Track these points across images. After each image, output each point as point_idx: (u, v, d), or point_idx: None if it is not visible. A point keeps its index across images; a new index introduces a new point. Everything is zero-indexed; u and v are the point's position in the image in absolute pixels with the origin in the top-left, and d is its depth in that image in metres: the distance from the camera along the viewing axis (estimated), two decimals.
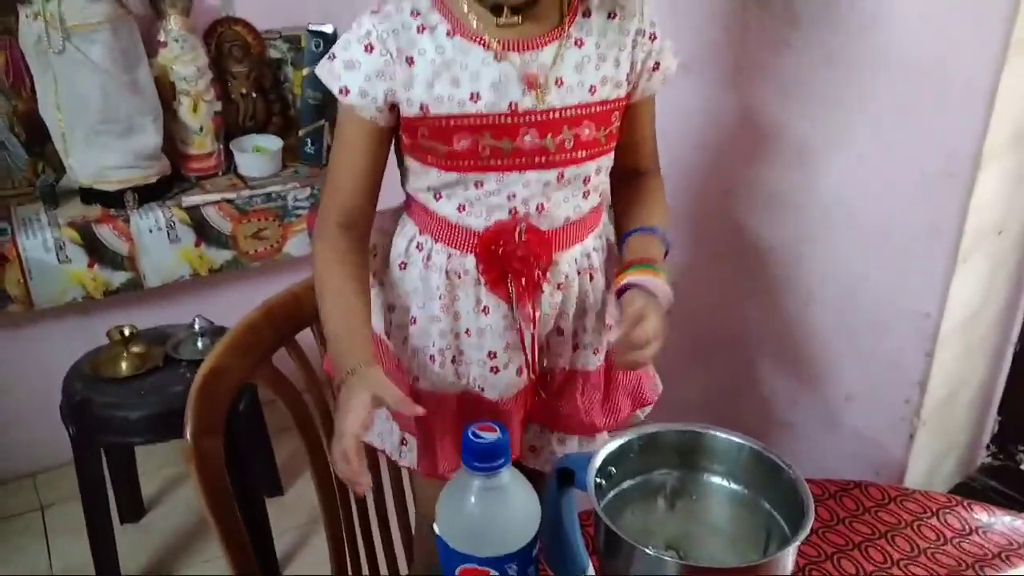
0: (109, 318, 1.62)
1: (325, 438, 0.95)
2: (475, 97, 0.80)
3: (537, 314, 0.88)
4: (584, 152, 0.84)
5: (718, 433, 0.69)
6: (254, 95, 1.87)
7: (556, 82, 0.81)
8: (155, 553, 1.68)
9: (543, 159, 0.83)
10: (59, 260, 1.59)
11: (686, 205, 1.35)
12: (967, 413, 1.22)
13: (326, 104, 1.76)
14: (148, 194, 1.68)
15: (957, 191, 1.00)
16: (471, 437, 0.62)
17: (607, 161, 0.88)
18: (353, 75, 0.81)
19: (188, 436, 0.84)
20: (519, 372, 0.90)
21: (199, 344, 1.55)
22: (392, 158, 0.90)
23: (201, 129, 1.76)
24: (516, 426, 0.93)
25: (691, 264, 1.38)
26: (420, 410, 0.76)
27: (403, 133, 0.85)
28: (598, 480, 0.65)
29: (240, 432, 1.47)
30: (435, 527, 0.63)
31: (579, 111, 0.83)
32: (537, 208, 0.85)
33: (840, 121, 1.10)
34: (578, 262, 0.89)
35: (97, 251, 1.62)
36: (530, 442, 0.97)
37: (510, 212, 0.85)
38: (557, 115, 0.82)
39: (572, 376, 0.93)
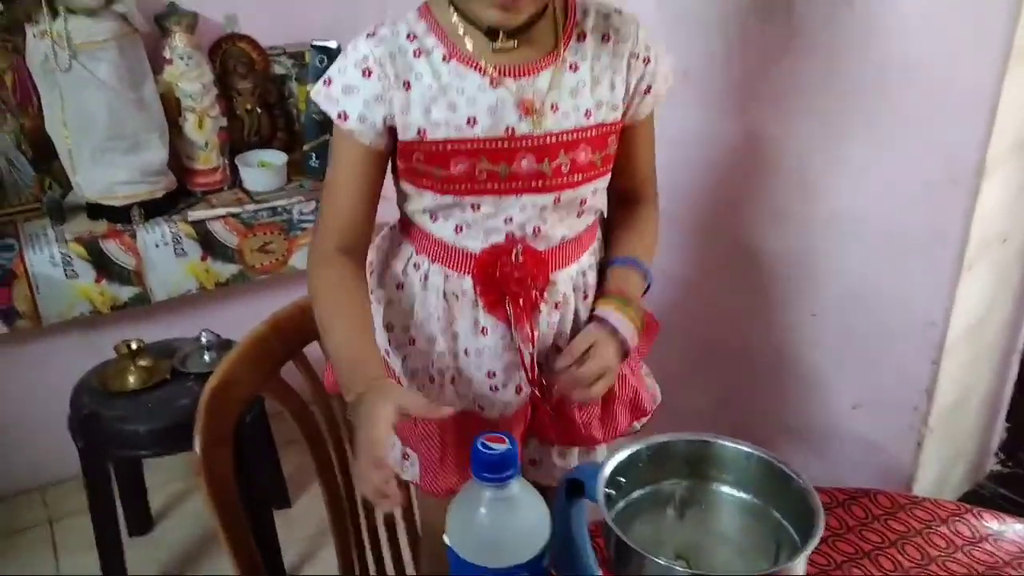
0: (116, 332, 1.63)
1: (334, 450, 0.96)
2: (472, 122, 0.80)
3: (536, 334, 0.88)
4: (580, 176, 0.84)
5: (727, 443, 0.69)
6: (259, 111, 1.89)
7: (552, 107, 0.81)
8: (164, 566, 1.68)
9: (540, 183, 0.83)
10: (66, 275, 1.60)
11: (691, 216, 1.35)
12: (975, 420, 1.22)
13: (330, 119, 1.77)
14: (154, 209, 1.69)
15: (961, 199, 1.00)
16: (480, 448, 0.62)
17: (603, 183, 0.89)
18: (351, 100, 0.81)
19: (197, 448, 0.84)
20: (518, 391, 0.90)
21: (206, 357, 1.55)
22: (388, 176, 0.89)
23: (206, 145, 1.77)
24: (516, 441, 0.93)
25: (697, 274, 1.38)
26: (448, 410, 0.75)
27: (398, 158, 0.84)
28: (607, 490, 0.65)
29: (248, 445, 1.47)
30: (445, 538, 0.63)
31: (575, 135, 0.83)
32: (534, 231, 0.85)
33: (842, 131, 1.11)
34: (574, 280, 0.89)
35: (104, 266, 1.63)
36: (530, 455, 0.97)
37: (507, 236, 0.85)
38: (553, 140, 0.82)
39: None
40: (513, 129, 0.81)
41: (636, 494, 0.69)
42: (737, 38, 1.19)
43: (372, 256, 0.92)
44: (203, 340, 1.56)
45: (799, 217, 1.19)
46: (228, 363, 0.88)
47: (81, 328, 1.75)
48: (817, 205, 1.17)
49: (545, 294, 0.87)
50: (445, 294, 0.88)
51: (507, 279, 0.85)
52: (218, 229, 1.72)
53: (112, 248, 1.63)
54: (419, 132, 0.81)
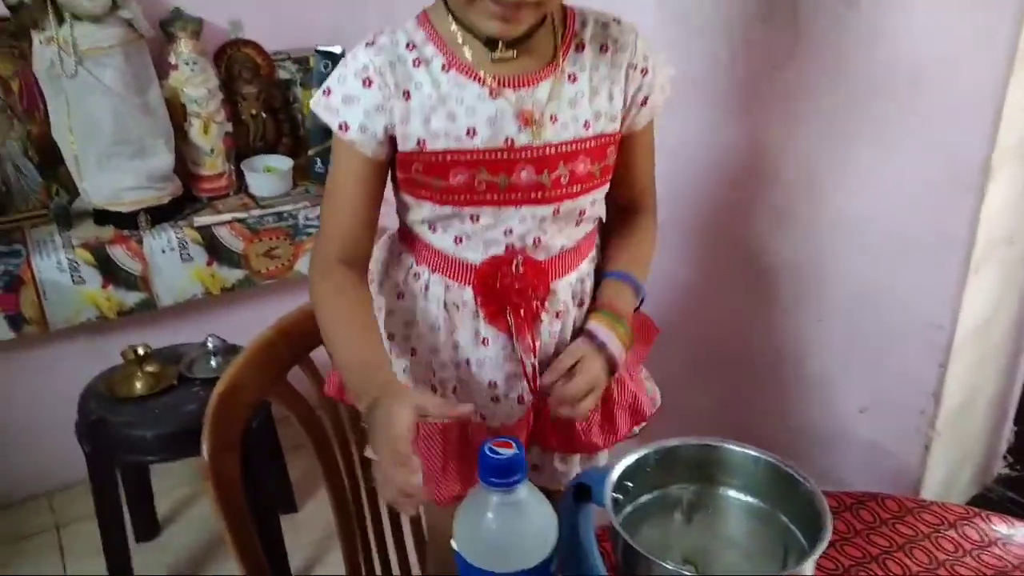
0: (123, 338, 1.64)
1: (340, 454, 0.96)
2: (472, 132, 0.80)
3: (537, 344, 0.87)
4: (580, 187, 0.84)
5: (734, 447, 0.69)
6: (264, 116, 1.89)
7: (551, 118, 0.81)
8: (170, 571, 1.68)
9: (539, 195, 0.82)
10: (73, 281, 1.61)
11: (696, 220, 1.35)
12: (982, 423, 1.21)
13: None
14: (160, 215, 1.70)
15: (967, 202, 1.00)
16: (488, 453, 0.62)
17: (602, 192, 0.88)
18: (352, 110, 0.80)
19: (205, 453, 0.84)
20: (520, 400, 0.90)
21: (213, 362, 1.56)
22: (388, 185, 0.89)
23: (212, 150, 1.78)
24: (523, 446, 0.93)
25: (702, 278, 1.38)
26: (468, 407, 0.72)
27: (397, 168, 0.83)
28: (615, 495, 0.65)
29: (254, 449, 1.47)
30: (453, 543, 0.63)
31: (574, 146, 0.82)
32: (534, 241, 0.85)
33: (848, 133, 1.11)
34: (572, 288, 0.89)
35: (110, 272, 1.64)
36: (532, 461, 0.96)
37: (506, 247, 0.84)
38: (552, 151, 0.81)
39: None
40: (512, 140, 0.80)
41: (644, 498, 0.69)
42: (741, 41, 1.19)
43: (372, 265, 0.91)
44: (209, 345, 1.57)
45: (804, 220, 1.19)
46: (235, 368, 0.89)
47: (88, 334, 1.76)
48: (823, 208, 1.16)
49: (546, 304, 0.87)
50: (446, 304, 0.87)
51: (508, 290, 0.85)
52: (224, 234, 1.72)
53: (119, 254, 1.64)
54: (418, 143, 0.80)
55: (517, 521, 0.62)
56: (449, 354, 0.89)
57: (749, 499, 0.70)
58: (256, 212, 1.76)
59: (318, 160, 1.85)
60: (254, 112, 1.88)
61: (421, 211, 0.85)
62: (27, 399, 1.76)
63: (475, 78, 0.80)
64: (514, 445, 0.62)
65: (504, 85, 0.80)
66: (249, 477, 0.89)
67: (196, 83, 1.73)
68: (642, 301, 0.92)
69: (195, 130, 1.75)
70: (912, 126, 1.04)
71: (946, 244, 1.03)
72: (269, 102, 1.90)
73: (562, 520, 0.65)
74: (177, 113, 1.74)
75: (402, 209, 0.89)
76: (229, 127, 1.81)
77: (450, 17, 0.80)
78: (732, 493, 0.70)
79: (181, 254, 1.69)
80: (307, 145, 1.91)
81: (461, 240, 0.85)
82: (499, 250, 0.85)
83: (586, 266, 0.91)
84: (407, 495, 0.68)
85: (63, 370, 1.70)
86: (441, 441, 0.87)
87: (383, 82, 0.79)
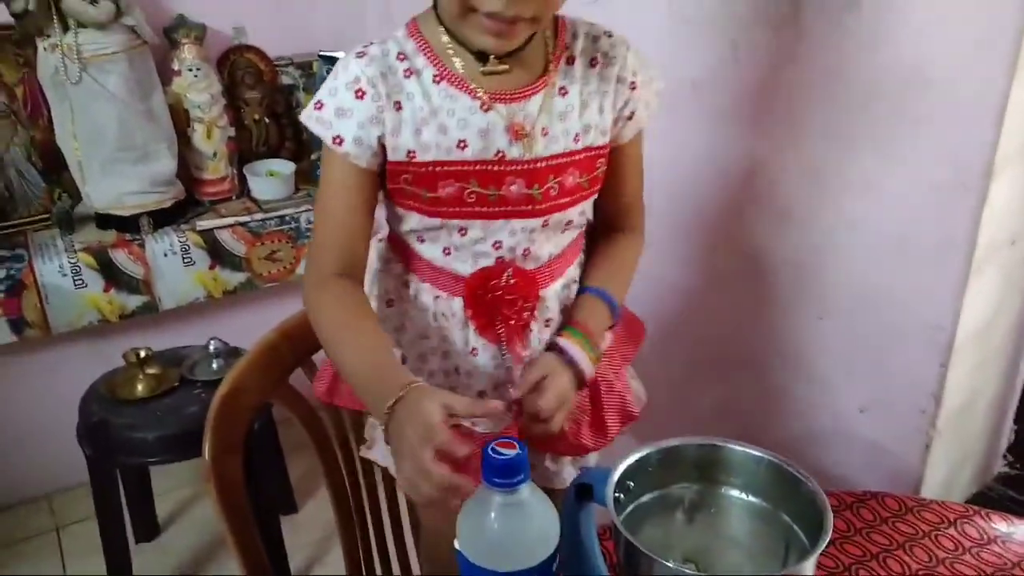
0: (125, 341, 1.65)
1: (341, 455, 0.96)
2: (463, 145, 0.79)
3: (527, 353, 0.87)
4: (568, 199, 0.84)
5: (736, 446, 0.69)
6: (267, 120, 1.90)
7: (542, 131, 0.81)
8: (170, 572, 1.69)
9: (529, 207, 0.82)
10: (75, 285, 1.61)
11: (698, 221, 1.36)
12: (983, 423, 1.21)
13: None
14: (163, 218, 1.71)
15: (969, 203, 1.00)
16: (491, 453, 0.62)
17: (590, 202, 0.88)
18: (346, 123, 0.79)
19: (207, 455, 0.85)
20: (509, 408, 0.89)
21: (214, 365, 1.56)
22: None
23: (215, 154, 1.79)
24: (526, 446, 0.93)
25: (704, 278, 1.38)
26: (496, 404, 0.70)
27: (387, 178, 0.82)
28: (616, 494, 0.65)
29: (256, 451, 1.48)
30: (456, 543, 0.64)
31: (564, 159, 0.82)
32: (523, 253, 0.85)
33: (849, 135, 1.11)
34: (560, 295, 0.89)
35: (113, 275, 1.64)
36: None
37: (496, 260, 0.84)
38: (543, 164, 0.81)
39: None
40: (503, 153, 0.80)
41: (645, 498, 0.70)
42: (745, 44, 1.19)
43: None
44: (211, 348, 1.57)
45: (806, 220, 1.20)
46: (238, 371, 0.89)
47: (90, 337, 1.77)
48: (824, 208, 1.17)
49: (535, 312, 0.87)
50: (435, 313, 0.87)
51: (498, 302, 0.85)
52: (226, 238, 1.73)
53: (121, 257, 1.65)
54: (408, 154, 0.79)
55: (519, 521, 0.63)
56: (439, 362, 0.88)
57: (750, 498, 0.70)
58: (258, 216, 1.76)
59: (320, 164, 1.85)
60: (257, 117, 1.89)
61: (409, 222, 0.84)
62: (29, 402, 1.77)
63: (467, 91, 0.79)
64: (517, 446, 0.63)
65: (496, 98, 0.79)
66: (251, 479, 0.89)
67: (199, 89, 1.74)
68: (615, 323, 0.91)
69: (198, 135, 1.76)
70: (914, 128, 1.04)
71: (948, 245, 1.04)
72: (272, 107, 1.91)
73: (564, 519, 0.66)
74: (180, 118, 1.74)
75: (391, 218, 0.88)
76: (232, 132, 1.82)
77: (441, 28, 0.79)
78: (734, 492, 0.70)
79: (183, 258, 1.70)
80: (309, 149, 1.92)
81: (450, 251, 0.85)
82: (488, 262, 0.84)
83: (573, 271, 0.91)
84: (451, 487, 0.64)
85: (65, 373, 1.71)
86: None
87: (376, 93, 0.78)
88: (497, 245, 0.84)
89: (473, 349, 0.87)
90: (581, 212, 0.88)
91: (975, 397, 1.16)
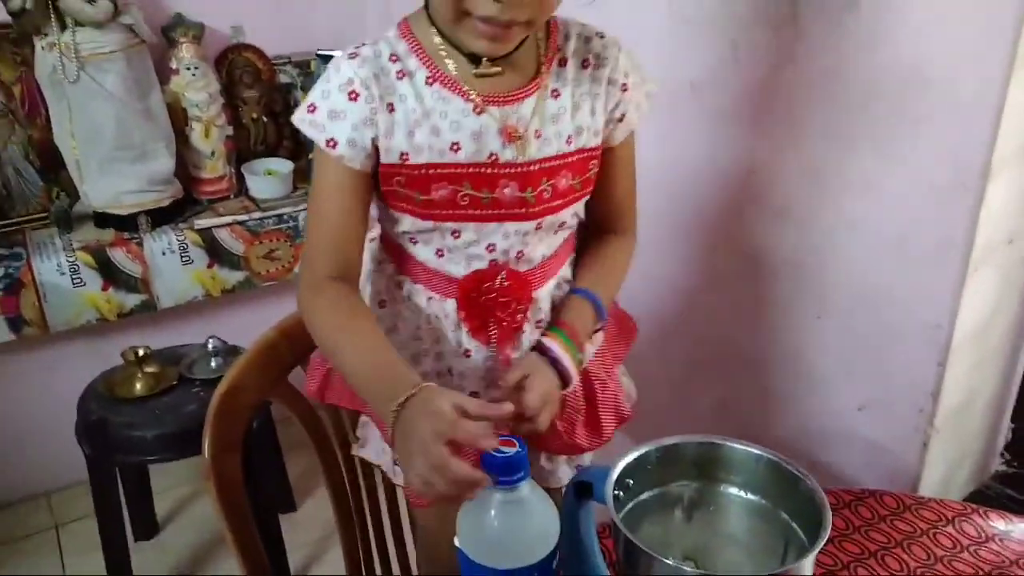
0: (123, 340, 1.65)
1: (340, 453, 0.96)
2: (456, 147, 0.78)
3: (515, 355, 0.87)
4: (561, 201, 0.84)
5: (735, 444, 0.70)
6: (265, 119, 1.90)
7: (535, 134, 0.80)
8: (169, 570, 1.69)
9: (523, 211, 0.82)
10: (73, 283, 1.61)
11: (698, 220, 1.36)
12: (981, 421, 1.22)
13: None
14: (161, 217, 1.70)
15: (967, 202, 1.00)
16: (491, 451, 0.62)
17: (582, 203, 0.88)
18: (339, 125, 0.78)
19: (207, 453, 0.85)
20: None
21: (213, 364, 1.56)
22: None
23: (213, 153, 1.79)
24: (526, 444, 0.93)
25: (703, 277, 1.39)
26: (508, 407, 0.69)
27: (380, 179, 0.81)
28: (616, 492, 0.65)
29: (254, 449, 1.48)
30: (456, 540, 0.64)
31: (557, 162, 0.82)
32: (517, 255, 0.84)
33: (848, 135, 1.11)
34: (552, 295, 0.89)
35: (111, 274, 1.64)
36: None
37: (490, 263, 0.84)
38: (536, 167, 0.81)
39: None
40: (496, 156, 0.79)
41: (644, 496, 0.70)
42: (745, 44, 1.20)
43: None
44: (210, 346, 1.57)
45: (805, 220, 1.20)
46: (237, 369, 0.89)
47: (88, 335, 1.76)
48: (823, 208, 1.17)
49: (528, 314, 0.87)
50: (427, 315, 0.87)
51: (492, 304, 0.85)
52: (224, 237, 1.73)
53: (119, 256, 1.64)
54: (401, 156, 0.79)
55: (520, 518, 0.63)
56: (431, 364, 0.88)
57: (749, 496, 0.70)
58: (257, 215, 1.76)
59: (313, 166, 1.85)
60: (255, 116, 1.89)
61: (402, 223, 0.83)
62: (27, 400, 1.76)
63: (460, 93, 0.78)
64: (517, 444, 0.63)
65: (489, 101, 0.79)
66: (250, 477, 0.89)
67: (197, 88, 1.74)
68: (601, 327, 0.91)
69: (196, 134, 1.76)
70: (913, 128, 1.04)
71: (946, 245, 1.04)
72: (270, 106, 1.91)
73: (563, 517, 0.66)
74: (178, 117, 1.74)
75: (385, 219, 0.88)
76: (230, 131, 1.82)
77: (433, 29, 0.79)
78: (733, 490, 0.71)
79: (181, 256, 1.69)
80: (307, 148, 1.92)
81: (443, 253, 0.84)
82: (482, 264, 0.84)
83: (565, 270, 0.91)
84: (469, 482, 0.62)
85: (63, 371, 1.71)
86: None
87: (369, 95, 0.77)
88: (491, 248, 0.83)
89: (466, 351, 0.87)
90: (574, 213, 0.88)
91: (973, 396, 1.17)
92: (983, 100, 0.96)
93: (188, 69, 1.73)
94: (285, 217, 1.78)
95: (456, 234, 0.82)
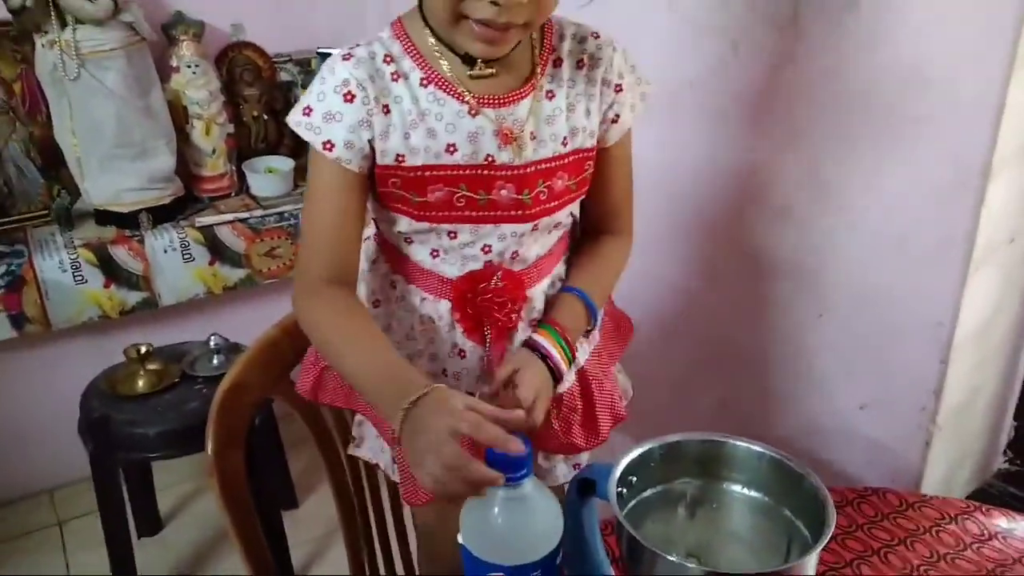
0: (125, 337, 1.65)
1: (343, 450, 0.96)
2: (452, 149, 0.78)
3: (511, 349, 0.86)
4: (557, 202, 0.83)
5: (738, 442, 0.70)
6: (265, 117, 1.90)
7: (530, 135, 0.80)
8: (172, 567, 1.69)
9: (519, 212, 0.81)
10: (75, 281, 1.61)
11: (699, 219, 1.36)
12: (983, 419, 1.22)
13: None
14: (162, 215, 1.70)
15: (968, 201, 1.00)
16: (494, 449, 0.63)
17: (577, 204, 0.88)
18: (335, 127, 0.77)
19: (210, 450, 0.85)
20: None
21: (215, 361, 1.56)
22: None
23: (214, 151, 1.79)
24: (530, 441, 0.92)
25: (705, 276, 1.39)
26: (519, 413, 0.69)
27: (375, 181, 0.81)
28: (619, 489, 0.66)
29: (256, 446, 1.48)
30: (459, 537, 0.64)
31: (553, 163, 0.81)
32: (512, 255, 0.84)
33: (849, 134, 1.11)
34: (546, 293, 0.89)
35: (112, 271, 1.64)
36: None
37: (485, 264, 0.83)
38: (532, 169, 0.80)
39: None
40: (493, 157, 0.79)
41: (648, 493, 0.70)
42: (745, 45, 1.20)
43: None
44: (212, 344, 1.57)
45: (806, 219, 1.20)
46: (240, 366, 0.89)
47: (90, 333, 1.76)
48: (824, 207, 1.17)
49: (522, 313, 0.86)
50: (421, 316, 0.86)
51: (487, 305, 0.84)
52: (225, 234, 1.73)
53: (120, 254, 1.64)
54: (397, 158, 0.78)
55: (523, 515, 0.63)
56: (426, 364, 0.87)
57: (753, 494, 0.70)
58: (258, 212, 1.76)
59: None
60: (256, 114, 1.89)
61: (398, 224, 0.83)
62: (29, 397, 1.77)
63: (454, 95, 0.78)
64: (520, 441, 0.63)
65: (484, 103, 0.78)
66: (252, 474, 0.89)
67: (198, 85, 1.74)
68: (592, 328, 0.90)
69: (197, 132, 1.76)
70: (913, 127, 1.04)
71: (947, 243, 1.04)
72: (270, 104, 1.91)
73: (566, 514, 0.66)
74: (179, 115, 1.74)
75: (379, 219, 0.87)
76: (231, 128, 1.82)
77: (427, 30, 0.78)
78: (736, 488, 0.71)
79: (183, 254, 1.69)
80: (308, 147, 1.91)
81: (438, 254, 0.84)
82: (477, 265, 0.84)
83: (559, 268, 0.91)
84: (484, 480, 0.61)
85: (65, 369, 1.71)
86: None
87: (365, 96, 0.77)
88: (487, 249, 0.83)
89: (461, 351, 0.87)
90: (569, 213, 0.87)
91: (975, 394, 1.17)
92: (984, 99, 0.96)
93: (189, 67, 1.73)
94: (286, 215, 1.78)
95: (452, 235, 0.82)
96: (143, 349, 1.52)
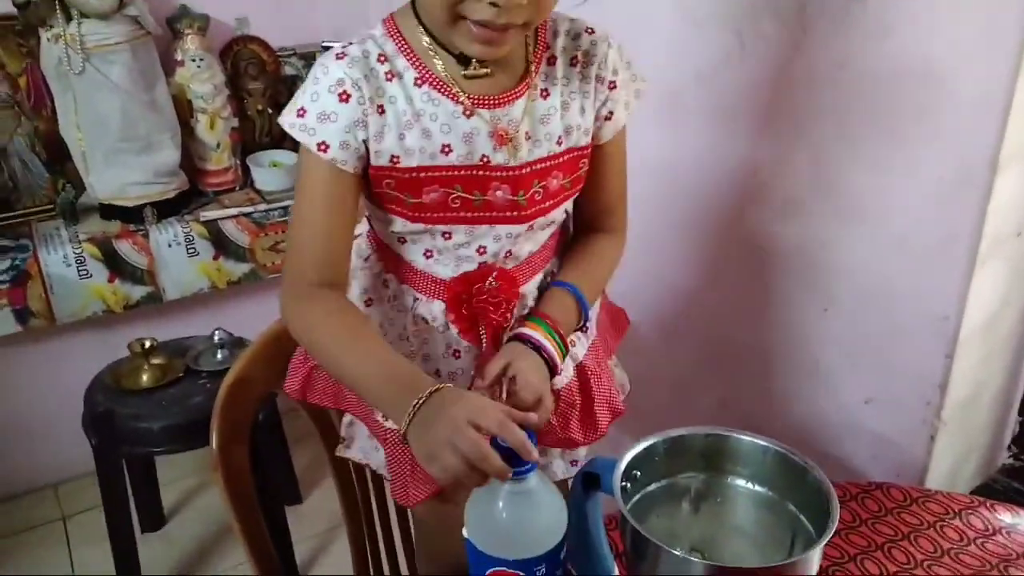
0: (129, 331, 1.65)
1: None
2: (447, 149, 0.77)
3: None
4: (552, 201, 0.83)
5: (743, 436, 0.70)
6: (270, 111, 1.90)
7: (525, 135, 0.79)
8: (176, 561, 1.70)
9: (515, 214, 0.81)
10: (80, 275, 1.62)
11: (703, 214, 1.35)
12: (988, 415, 1.22)
13: None
14: (167, 209, 1.70)
15: (974, 195, 1.00)
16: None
17: (571, 201, 0.87)
18: (330, 128, 0.75)
19: (214, 444, 0.85)
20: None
21: (219, 355, 1.57)
22: None
23: (218, 145, 1.79)
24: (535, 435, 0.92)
25: (709, 270, 1.38)
26: (533, 416, 0.68)
27: (370, 182, 0.80)
28: (623, 483, 0.66)
29: (260, 441, 1.48)
30: (464, 531, 0.64)
31: (548, 163, 0.81)
32: (506, 255, 0.84)
33: (855, 126, 1.11)
34: (540, 286, 0.88)
35: (117, 266, 1.65)
36: None
37: (479, 265, 0.83)
38: (527, 170, 0.80)
39: None
40: (488, 158, 0.78)
41: (652, 487, 0.70)
42: (751, 37, 1.19)
43: None
44: (216, 338, 1.57)
45: (811, 212, 1.19)
46: (244, 361, 0.90)
47: (95, 327, 1.77)
48: (829, 200, 1.17)
49: (514, 310, 0.86)
50: (414, 316, 0.86)
51: (483, 306, 0.84)
52: (230, 228, 1.73)
53: (125, 248, 1.65)
54: (392, 159, 0.77)
55: (528, 509, 0.63)
56: (419, 365, 0.86)
57: (757, 488, 0.70)
58: (262, 207, 1.76)
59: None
60: (260, 108, 1.89)
61: (393, 225, 0.82)
62: (34, 392, 1.77)
63: (449, 95, 0.77)
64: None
65: (479, 104, 0.77)
66: (256, 469, 0.90)
67: (202, 79, 1.74)
68: (583, 325, 0.89)
69: (201, 126, 1.76)
70: (920, 120, 1.04)
71: (953, 237, 1.04)
72: (275, 98, 1.91)
73: (571, 509, 0.66)
74: (183, 109, 1.74)
75: (372, 218, 0.86)
76: (235, 122, 1.82)
77: (421, 28, 0.77)
78: (740, 482, 0.71)
79: (187, 248, 1.70)
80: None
81: (432, 254, 0.83)
82: (471, 266, 0.83)
83: (552, 264, 0.90)
84: (497, 471, 0.61)
85: (70, 363, 1.71)
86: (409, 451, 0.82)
87: (360, 96, 0.75)
88: (481, 250, 0.83)
89: (455, 352, 0.86)
90: (564, 211, 0.87)
91: (980, 389, 1.17)
92: (992, 92, 0.96)
93: (193, 61, 1.73)
94: (290, 209, 1.78)
95: (447, 236, 0.81)
96: (147, 343, 1.52)
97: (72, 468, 1.81)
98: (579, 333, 0.89)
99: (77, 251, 1.61)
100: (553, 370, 0.82)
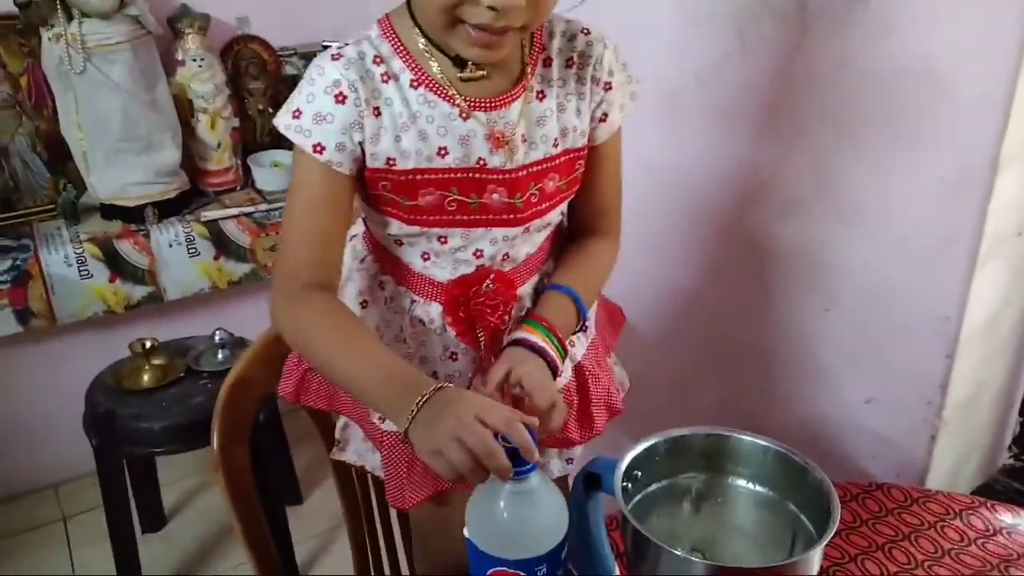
0: (130, 331, 1.65)
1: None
2: (443, 152, 0.77)
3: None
4: (548, 203, 0.83)
5: (743, 436, 0.70)
6: (271, 111, 1.90)
7: (521, 138, 0.79)
8: (176, 562, 1.70)
9: (511, 216, 0.80)
10: (81, 275, 1.62)
11: (704, 214, 1.35)
12: (989, 415, 1.22)
13: None
14: (168, 209, 1.71)
15: (975, 195, 1.00)
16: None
17: (567, 202, 0.87)
18: (326, 129, 0.75)
19: (215, 445, 0.85)
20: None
21: (220, 356, 1.57)
22: None
23: (219, 145, 1.79)
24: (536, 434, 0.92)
25: (710, 270, 1.38)
26: (535, 420, 0.67)
27: (366, 185, 0.80)
28: (624, 484, 0.66)
29: (261, 441, 1.48)
30: (465, 531, 0.64)
31: (544, 165, 0.81)
32: (503, 258, 0.84)
33: (854, 127, 1.11)
34: (536, 286, 0.88)
35: (118, 266, 1.65)
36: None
37: (476, 268, 0.83)
38: (523, 173, 0.79)
39: None
40: (484, 161, 0.78)
41: (653, 487, 0.70)
42: (752, 36, 1.19)
43: None
44: (217, 338, 1.57)
45: (812, 212, 1.19)
46: (245, 361, 0.90)
47: (95, 327, 1.77)
48: (830, 199, 1.17)
49: (511, 311, 0.85)
50: (411, 318, 0.85)
51: (480, 308, 0.84)
52: (231, 228, 1.73)
53: (126, 248, 1.65)
54: (388, 161, 0.77)
55: (529, 509, 0.63)
56: (416, 367, 0.85)
57: (758, 488, 0.70)
58: (263, 206, 1.76)
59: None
60: (261, 107, 1.89)
61: (389, 227, 0.81)
62: (35, 392, 1.77)
63: (445, 97, 0.77)
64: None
65: (475, 106, 0.77)
66: (257, 469, 0.90)
67: (203, 79, 1.74)
68: (582, 327, 0.88)
69: (202, 125, 1.76)
70: (920, 120, 1.04)
71: (954, 237, 1.03)
72: (276, 97, 1.91)
73: (571, 509, 0.66)
74: (184, 109, 1.74)
75: (369, 220, 0.86)
76: (236, 122, 1.82)
77: (416, 30, 0.77)
78: (741, 482, 0.71)
79: (188, 248, 1.70)
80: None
81: (428, 257, 0.83)
82: (468, 269, 0.83)
83: (548, 265, 0.90)
84: (499, 468, 0.61)
85: (71, 363, 1.72)
86: (408, 450, 0.82)
87: (357, 97, 0.75)
88: (478, 254, 0.82)
89: (453, 354, 0.86)
90: (560, 213, 0.87)
91: (981, 389, 1.16)
92: (992, 92, 0.96)
93: (194, 60, 1.73)
94: (283, 210, 1.78)
95: (443, 239, 0.81)
96: (148, 344, 1.52)
97: (73, 468, 1.81)
98: (579, 333, 0.89)
99: (78, 251, 1.61)
100: (554, 373, 0.82)
